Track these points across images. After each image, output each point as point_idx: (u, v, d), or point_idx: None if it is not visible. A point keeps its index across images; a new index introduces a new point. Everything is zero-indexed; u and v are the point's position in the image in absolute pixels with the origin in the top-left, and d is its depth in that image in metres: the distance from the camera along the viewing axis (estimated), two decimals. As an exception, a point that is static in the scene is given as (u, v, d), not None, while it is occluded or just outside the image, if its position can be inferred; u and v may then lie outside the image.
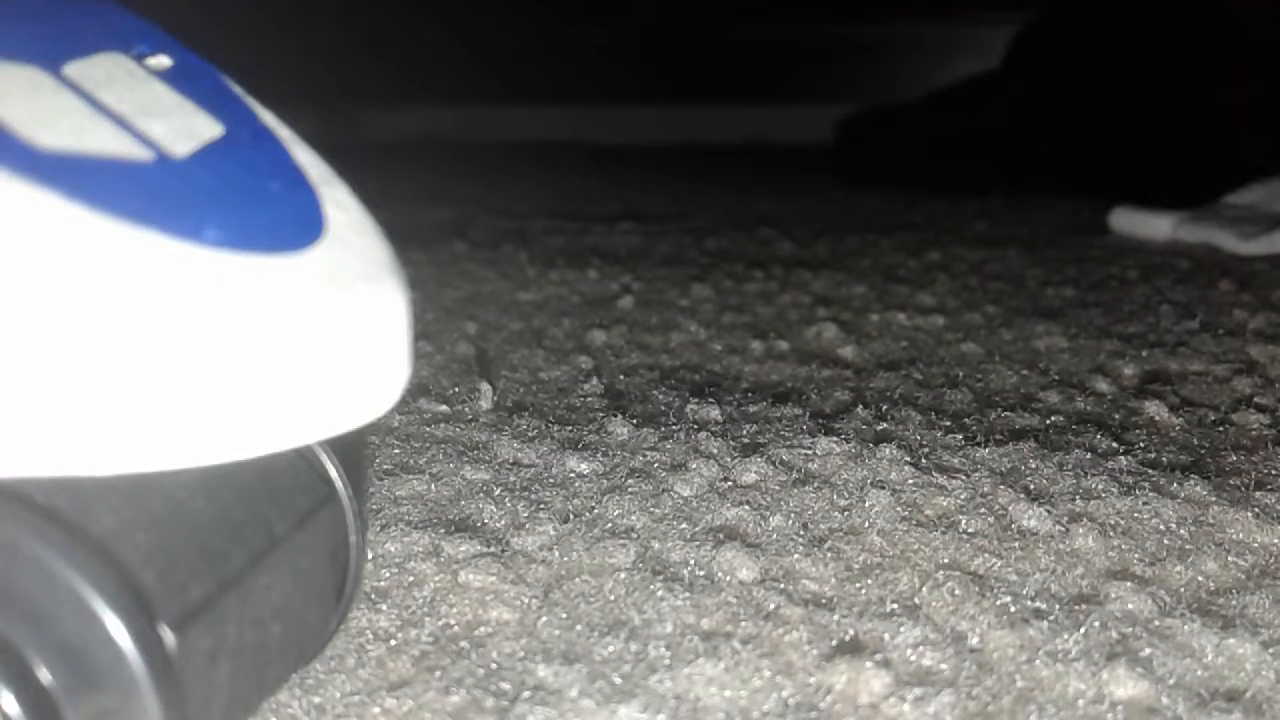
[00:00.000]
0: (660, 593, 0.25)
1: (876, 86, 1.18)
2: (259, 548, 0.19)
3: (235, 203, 0.16)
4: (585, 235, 0.74)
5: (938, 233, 0.74)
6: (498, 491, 0.31)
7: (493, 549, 0.27)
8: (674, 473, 0.31)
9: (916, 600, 0.25)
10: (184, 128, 0.17)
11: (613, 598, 0.25)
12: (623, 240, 0.72)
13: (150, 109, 0.17)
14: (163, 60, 0.19)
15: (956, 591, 0.25)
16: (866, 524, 0.29)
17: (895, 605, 0.25)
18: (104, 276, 0.14)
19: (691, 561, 0.27)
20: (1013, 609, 0.25)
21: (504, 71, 1.35)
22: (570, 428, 0.36)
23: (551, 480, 0.31)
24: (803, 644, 0.23)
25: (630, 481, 0.31)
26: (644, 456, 0.33)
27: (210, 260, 0.15)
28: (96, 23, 0.18)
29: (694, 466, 0.32)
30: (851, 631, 0.24)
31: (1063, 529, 0.28)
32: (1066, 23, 1.02)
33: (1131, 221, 0.76)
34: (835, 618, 0.24)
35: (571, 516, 0.29)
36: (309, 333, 0.15)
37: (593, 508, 0.30)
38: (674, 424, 0.35)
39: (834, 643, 0.23)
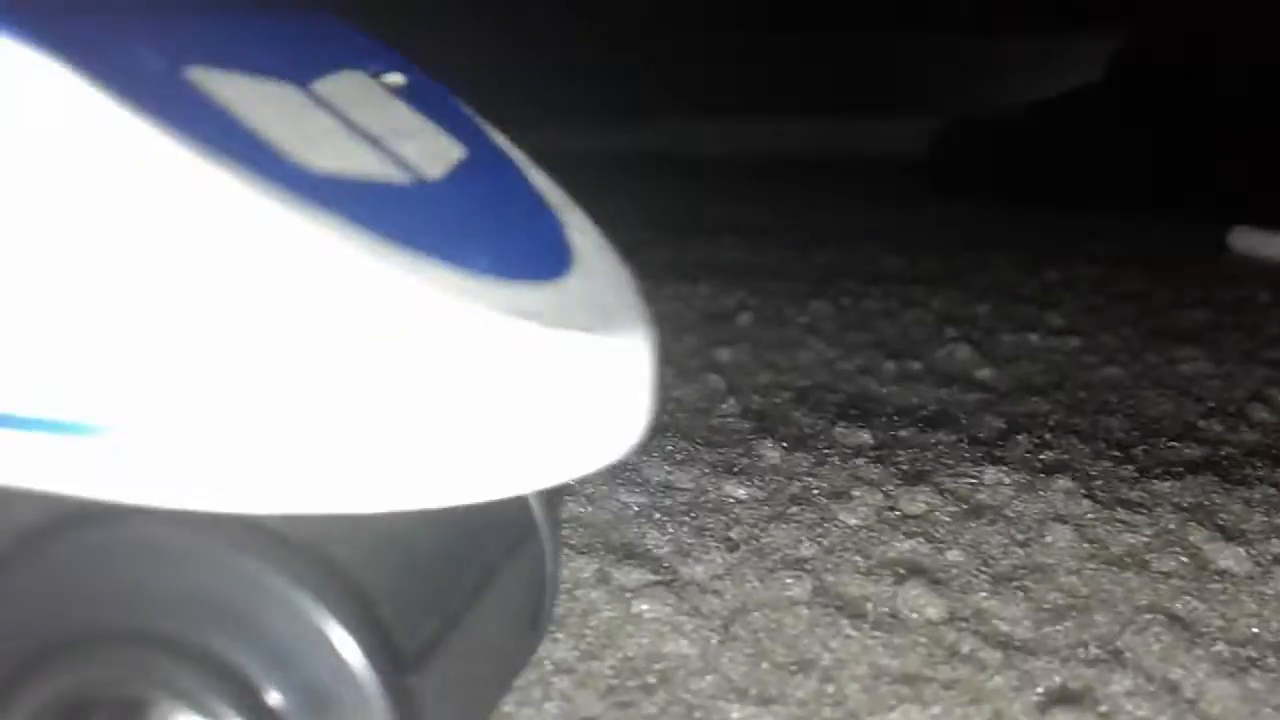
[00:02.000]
0: (847, 630, 0.24)
1: (974, 99, 1.16)
2: (478, 581, 0.18)
3: (493, 228, 0.16)
4: (688, 249, 0.73)
5: (1050, 249, 0.72)
6: (656, 516, 0.30)
7: (662, 577, 0.27)
8: (836, 500, 0.30)
9: (1119, 645, 0.24)
10: (431, 149, 0.17)
11: (794, 633, 0.24)
12: (728, 254, 0.71)
13: (398, 129, 0.16)
14: (397, 78, 0.18)
15: (1162, 637, 0.24)
16: (1052, 561, 0.27)
17: (1098, 650, 0.24)
18: (389, 308, 0.13)
19: (872, 597, 0.26)
20: (1226, 656, 0.23)
21: (592, 85, 1.35)
22: (718, 450, 0.35)
23: (709, 505, 0.31)
24: (1008, 691, 0.22)
25: (793, 509, 0.30)
26: (801, 482, 0.32)
27: (485, 290, 0.14)
28: (329, 38, 0.18)
29: (857, 494, 0.31)
30: (1058, 679, 0.23)
31: (1263, 570, 0.27)
32: (1171, 36, 0.99)
33: (1252, 241, 0.73)
34: (1038, 663, 0.23)
35: (738, 545, 0.28)
36: (570, 367, 0.15)
37: (758, 535, 0.29)
38: (825, 448, 0.34)
39: (1041, 690, 0.22)
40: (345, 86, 0.16)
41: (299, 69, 0.16)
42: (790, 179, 1.17)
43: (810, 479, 0.32)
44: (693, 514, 0.30)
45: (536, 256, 0.15)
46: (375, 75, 0.17)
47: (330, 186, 0.14)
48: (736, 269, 0.66)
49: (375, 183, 0.14)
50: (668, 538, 0.29)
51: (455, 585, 0.17)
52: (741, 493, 0.31)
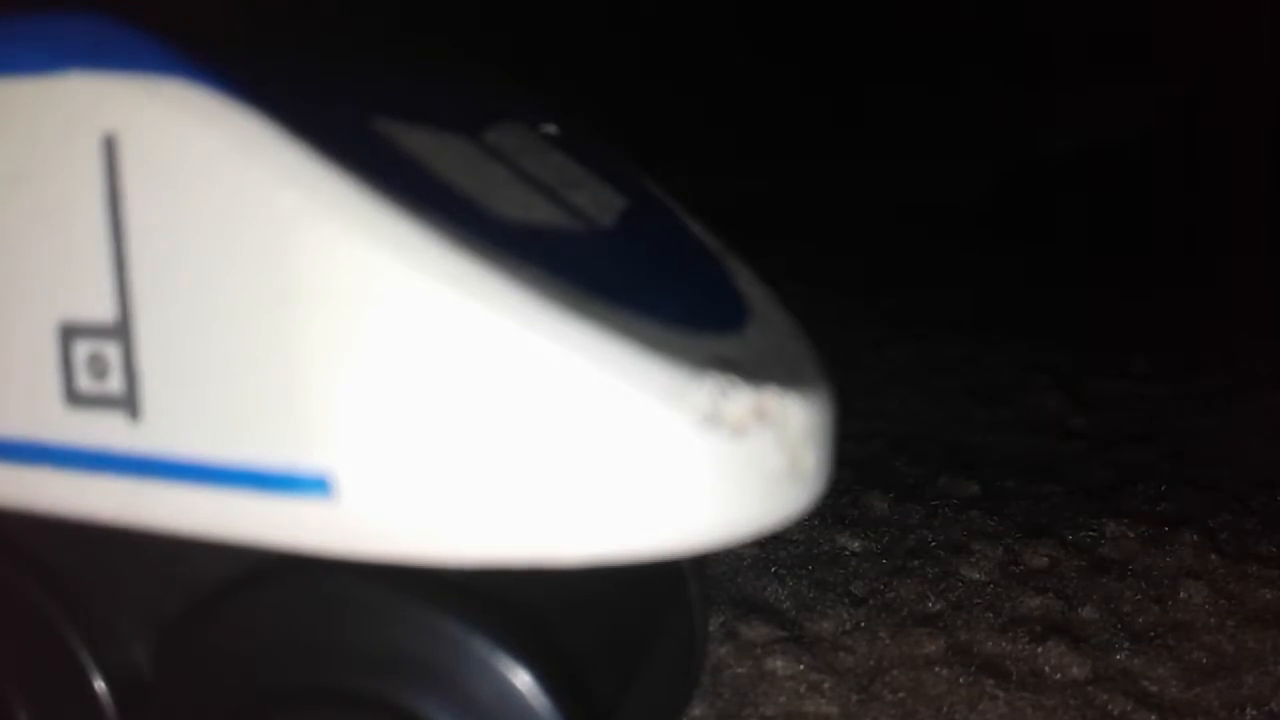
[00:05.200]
0: (992, 690, 0.23)
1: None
2: (647, 636, 0.18)
3: (671, 277, 0.15)
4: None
5: (1116, 294, 0.71)
6: (774, 569, 0.29)
7: (789, 633, 0.26)
8: (956, 554, 0.30)
9: (1274, 707, 0.23)
10: (597, 198, 0.16)
11: (937, 693, 0.24)
12: (791, 301, 0.71)
13: (565, 178, 0.16)
14: (551, 128, 0.18)
15: (1322, 700, 0.23)
16: (1190, 619, 0.26)
17: (1255, 712, 0.23)
18: (590, 361, 0.13)
19: (1011, 655, 0.25)
20: (1392, 722, 0.22)
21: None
22: (824, 499, 0.34)
23: (824, 557, 0.30)
24: (1170, 755, 0.21)
25: (913, 563, 0.29)
26: (915, 535, 0.31)
27: (684, 341, 0.14)
28: (486, 89, 0.18)
29: (977, 548, 0.30)
30: (1220, 743, 0.22)
31: None
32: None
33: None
34: (1195, 726, 0.22)
35: (863, 600, 0.27)
36: (773, 420, 0.14)
37: (881, 590, 0.28)
38: (933, 499, 0.34)
39: (1204, 755, 0.21)
40: (510, 137, 0.16)
41: (467, 121, 0.16)
42: (840, 223, 1.17)
43: (925, 531, 0.31)
44: (809, 566, 0.29)
45: (716, 306, 0.15)
46: (534, 126, 0.17)
47: (521, 235, 0.13)
48: (802, 315, 0.66)
49: (558, 232, 0.14)
50: (788, 591, 0.28)
51: (631, 640, 0.17)
52: (855, 545, 0.31)
